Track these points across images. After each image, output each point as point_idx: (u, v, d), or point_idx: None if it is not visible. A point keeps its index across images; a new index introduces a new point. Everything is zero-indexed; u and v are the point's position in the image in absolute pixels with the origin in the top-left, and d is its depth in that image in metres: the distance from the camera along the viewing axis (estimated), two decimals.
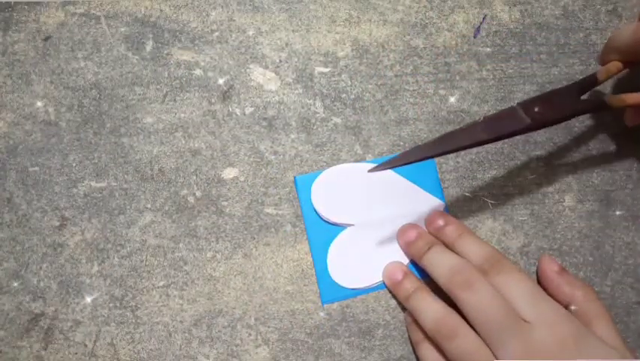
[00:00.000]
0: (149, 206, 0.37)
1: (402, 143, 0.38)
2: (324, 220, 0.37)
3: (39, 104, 0.38)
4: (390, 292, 0.36)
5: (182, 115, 0.38)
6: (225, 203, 0.37)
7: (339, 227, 0.37)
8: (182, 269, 0.37)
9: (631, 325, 0.36)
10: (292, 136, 0.38)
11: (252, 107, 0.39)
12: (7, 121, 0.38)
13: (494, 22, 0.40)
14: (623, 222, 0.38)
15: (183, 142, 0.38)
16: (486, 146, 0.38)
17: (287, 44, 0.39)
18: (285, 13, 0.40)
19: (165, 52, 0.39)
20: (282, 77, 0.39)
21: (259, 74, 0.39)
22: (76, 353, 0.36)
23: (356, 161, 0.38)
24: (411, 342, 0.35)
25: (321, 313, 0.36)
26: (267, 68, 0.39)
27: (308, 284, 0.37)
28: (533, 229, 0.37)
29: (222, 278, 0.37)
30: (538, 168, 0.38)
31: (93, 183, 0.37)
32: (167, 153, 0.38)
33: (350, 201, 0.37)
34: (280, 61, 0.39)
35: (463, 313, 0.32)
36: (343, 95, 0.39)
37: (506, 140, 0.38)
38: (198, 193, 0.37)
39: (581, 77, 0.35)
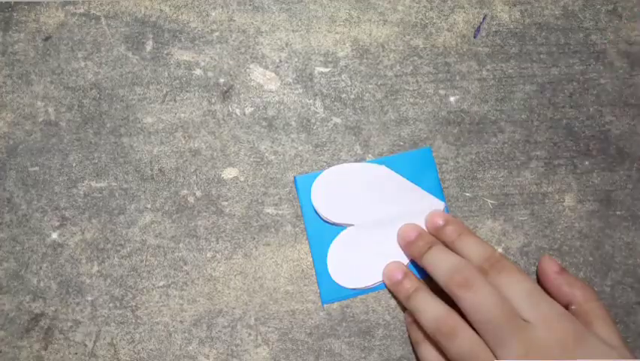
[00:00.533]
0: (149, 206, 0.37)
1: (402, 143, 0.38)
2: (324, 220, 0.37)
3: (39, 104, 0.38)
4: (391, 292, 0.36)
5: (182, 115, 0.38)
6: (225, 203, 0.37)
7: (339, 227, 0.37)
8: (182, 269, 0.37)
9: (631, 325, 0.36)
10: (292, 136, 0.38)
11: (252, 107, 0.39)
12: (7, 121, 0.38)
13: (494, 22, 0.40)
14: (623, 222, 0.38)
15: (183, 142, 0.38)
16: (486, 146, 0.38)
17: (287, 44, 0.39)
18: (285, 13, 0.40)
19: (165, 52, 0.39)
20: (282, 77, 0.39)
21: (259, 74, 0.39)
22: (76, 353, 0.36)
23: (356, 161, 0.38)
24: (411, 342, 0.35)
25: (321, 313, 0.36)
26: (267, 68, 0.39)
27: (308, 284, 0.37)
28: (533, 229, 0.37)
29: (222, 278, 0.37)
30: (538, 168, 0.38)
31: (93, 183, 0.38)
32: (167, 153, 0.38)
33: (350, 201, 0.37)
34: (280, 61, 0.39)
35: (463, 313, 0.32)
36: (343, 95, 0.39)
37: (507, 140, 0.38)
38: (198, 193, 0.37)
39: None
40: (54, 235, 0.37)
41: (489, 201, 0.38)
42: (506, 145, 0.38)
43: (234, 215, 0.37)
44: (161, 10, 0.40)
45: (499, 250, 0.37)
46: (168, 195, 0.37)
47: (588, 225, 0.37)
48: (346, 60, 0.39)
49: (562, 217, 0.38)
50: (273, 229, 0.37)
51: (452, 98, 0.39)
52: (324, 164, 0.38)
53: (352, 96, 0.39)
